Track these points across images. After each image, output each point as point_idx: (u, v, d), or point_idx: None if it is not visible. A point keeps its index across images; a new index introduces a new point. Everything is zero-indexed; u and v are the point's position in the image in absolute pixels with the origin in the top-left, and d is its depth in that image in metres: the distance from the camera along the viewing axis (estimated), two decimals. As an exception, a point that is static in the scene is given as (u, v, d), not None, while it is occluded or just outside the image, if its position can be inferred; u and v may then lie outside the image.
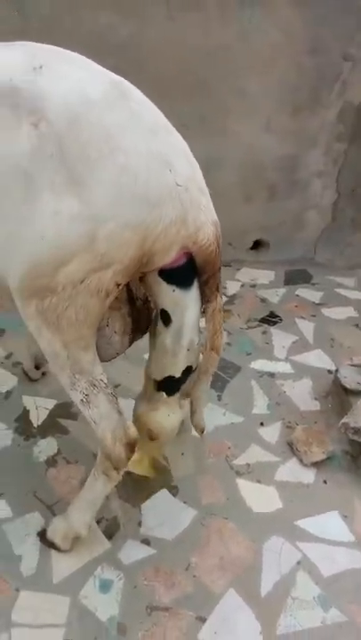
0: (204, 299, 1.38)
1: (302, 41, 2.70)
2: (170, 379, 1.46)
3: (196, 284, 1.34)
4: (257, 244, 3.19)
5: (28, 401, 2.12)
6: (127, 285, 1.37)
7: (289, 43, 2.69)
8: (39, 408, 2.09)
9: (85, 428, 1.85)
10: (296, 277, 3.08)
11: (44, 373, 2.21)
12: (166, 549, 1.66)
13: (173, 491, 1.83)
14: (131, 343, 1.50)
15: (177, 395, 1.51)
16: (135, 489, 1.81)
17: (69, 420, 2.05)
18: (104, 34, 2.47)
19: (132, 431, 1.47)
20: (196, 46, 2.61)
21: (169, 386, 1.49)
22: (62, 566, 1.60)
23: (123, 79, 1.29)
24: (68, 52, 1.30)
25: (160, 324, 1.39)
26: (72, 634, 1.46)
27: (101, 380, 1.39)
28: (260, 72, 2.75)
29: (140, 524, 1.73)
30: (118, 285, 1.25)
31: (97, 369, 1.38)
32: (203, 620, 1.50)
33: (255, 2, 2.60)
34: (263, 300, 2.86)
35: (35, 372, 2.19)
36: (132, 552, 1.65)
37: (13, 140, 1.18)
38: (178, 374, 1.45)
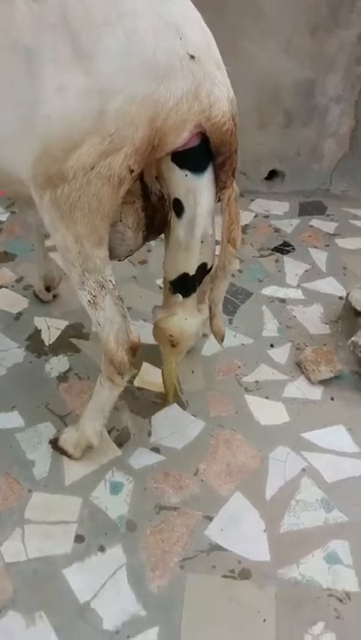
0: (220, 185, 1.32)
1: None
2: (184, 277, 1.43)
3: (210, 170, 1.29)
4: (272, 175, 3.12)
5: (40, 321, 2.14)
6: (141, 178, 1.32)
7: None
8: (51, 328, 2.12)
9: (97, 346, 1.89)
10: (311, 208, 3.02)
11: (55, 296, 2.23)
12: (175, 456, 1.71)
13: (183, 405, 1.86)
14: (145, 241, 1.46)
15: (193, 296, 1.47)
16: (146, 403, 1.85)
17: (81, 339, 2.08)
18: None
19: (135, 336, 1.46)
20: None
21: (184, 285, 1.45)
22: (74, 470, 1.66)
23: None
24: None
25: (173, 216, 1.35)
26: (83, 529, 1.52)
27: (110, 282, 1.38)
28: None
29: (149, 433, 1.77)
30: (132, 172, 1.21)
31: (107, 269, 1.36)
32: (210, 518, 1.55)
33: None
34: (277, 230, 2.82)
35: (45, 294, 2.20)
36: (142, 458, 1.70)
37: (9, 14, 1.14)
38: (192, 271, 1.41)
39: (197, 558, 1.47)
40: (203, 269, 1.44)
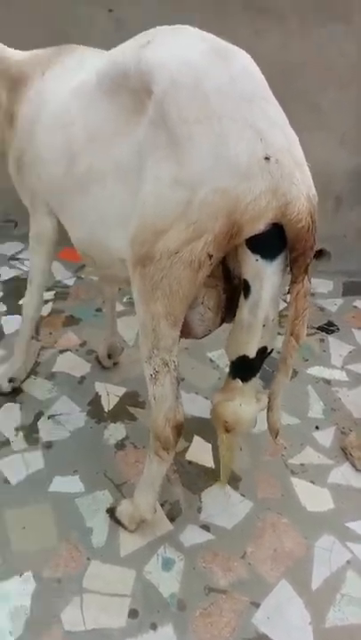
0: (291, 278, 1.37)
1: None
2: (244, 359, 1.46)
3: (281, 258, 1.33)
4: (318, 253, 3.27)
5: (100, 387, 2.28)
6: (223, 262, 1.39)
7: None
8: (110, 394, 2.25)
9: (152, 417, 2.01)
10: (354, 289, 3.14)
11: (115, 363, 2.37)
12: (224, 536, 1.79)
13: (232, 483, 1.95)
14: (222, 322, 1.53)
15: (252, 382, 1.52)
16: (196, 477, 1.94)
17: (138, 408, 2.20)
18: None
19: (181, 416, 1.54)
20: (274, 61, 2.70)
21: (244, 369, 1.48)
22: (129, 542, 1.75)
23: (232, 46, 1.33)
24: (183, 25, 1.39)
25: (241, 296, 1.40)
26: (137, 604, 1.60)
27: (173, 362, 1.48)
28: (337, 87, 2.82)
29: (199, 510, 1.86)
30: (210, 257, 1.30)
31: (175, 349, 1.47)
32: (257, 605, 1.62)
33: (335, 17, 2.67)
34: (322, 309, 2.94)
35: (107, 361, 2.34)
36: (193, 535, 1.78)
37: (136, 120, 1.32)
38: (252, 354, 1.44)
39: (245, 645, 1.53)
40: (263, 353, 1.47)
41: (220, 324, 1.55)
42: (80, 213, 1.60)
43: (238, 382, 1.51)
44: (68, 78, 1.67)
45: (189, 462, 2.01)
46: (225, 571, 1.70)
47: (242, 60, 1.32)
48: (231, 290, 1.46)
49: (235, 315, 1.50)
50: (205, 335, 1.57)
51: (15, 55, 1.92)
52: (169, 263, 1.32)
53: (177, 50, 1.31)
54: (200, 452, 2.04)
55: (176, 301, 1.38)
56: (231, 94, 1.24)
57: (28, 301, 2.06)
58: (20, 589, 1.62)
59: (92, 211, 1.54)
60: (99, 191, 1.48)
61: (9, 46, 1.96)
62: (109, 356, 2.35)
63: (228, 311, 1.50)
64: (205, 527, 1.81)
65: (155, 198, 1.29)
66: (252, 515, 1.86)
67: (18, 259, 3.06)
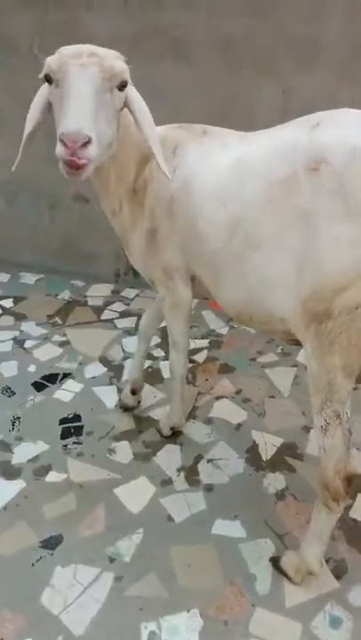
0: None
1: None
2: None
3: None
4: None
5: (257, 435, 2.33)
6: None
7: None
8: (267, 444, 2.29)
9: (312, 468, 2.01)
10: None
11: (139, 402, 2.49)
12: (396, 603, 1.71)
13: None
14: None
15: None
16: (362, 536, 1.89)
17: (296, 459, 2.21)
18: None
19: (353, 467, 1.56)
20: None
21: None
22: (294, 594, 1.74)
23: None
24: (345, 109, 1.51)
25: None
26: (305, 658, 1.58)
27: (346, 414, 1.52)
28: None
29: (366, 571, 1.80)
30: None
31: (348, 401, 1.51)
32: None
33: None
34: None
35: (131, 399, 2.46)
36: (361, 596, 1.73)
37: (296, 191, 1.43)
38: None
39: None
40: None
41: None
42: (238, 278, 1.66)
43: None
44: (212, 158, 1.73)
45: (354, 520, 1.97)
46: None
47: None
48: None
49: None
50: None
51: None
52: (349, 319, 1.40)
53: (351, 127, 1.44)
54: (364, 510, 1.99)
55: (354, 353, 1.44)
56: None
57: (176, 362, 2.15)
58: (188, 625, 1.67)
59: (250, 274, 1.61)
60: (257, 257, 1.57)
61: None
62: (133, 392, 2.44)
63: None
64: (374, 590, 1.75)
65: (334, 259, 1.38)
66: None
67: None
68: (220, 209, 1.65)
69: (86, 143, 1.40)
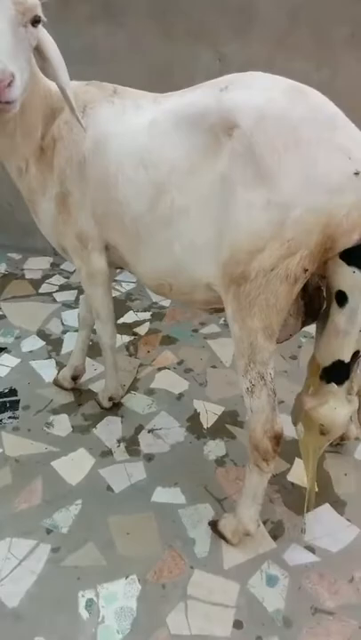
0: None
1: None
2: (339, 364, 1.54)
3: None
4: None
5: (198, 404, 2.32)
6: None
7: None
8: (209, 412, 2.28)
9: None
10: None
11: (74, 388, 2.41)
12: (330, 559, 1.75)
13: (337, 507, 1.91)
14: (302, 326, 1.65)
15: (345, 384, 1.58)
16: (299, 499, 1.92)
17: (237, 427, 2.21)
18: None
19: (279, 427, 1.59)
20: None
21: (338, 372, 1.56)
22: (232, 555, 1.75)
23: (304, 85, 1.43)
24: (253, 72, 1.50)
25: (334, 305, 1.48)
26: (241, 615, 1.59)
27: (270, 374, 1.54)
28: None
29: (303, 531, 1.83)
30: (305, 271, 1.39)
31: (271, 362, 1.52)
32: (367, 630, 1.56)
33: None
34: None
35: (69, 382, 2.39)
36: (297, 555, 1.75)
37: (216, 159, 1.41)
38: (347, 358, 1.53)
39: (355, 670, 1.47)
40: (356, 356, 1.55)
41: (300, 329, 1.67)
42: (163, 245, 1.62)
43: (333, 386, 1.59)
44: (126, 118, 1.65)
45: (292, 484, 1.99)
46: (332, 593, 1.65)
47: (316, 95, 1.42)
48: (308, 296, 1.60)
49: (312, 319, 1.63)
50: (286, 339, 1.67)
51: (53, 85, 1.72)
52: (265, 280, 1.40)
53: (258, 90, 1.42)
54: (302, 474, 2.01)
55: (273, 315, 1.45)
56: (315, 122, 1.34)
57: (103, 333, 2.09)
58: (126, 591, 1.65)
59: (176, 241, 1.57)
60: (183, 223, 1.53)
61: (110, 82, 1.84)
62: (74, 378, 2.39)
63: (306, 315, 1.63)
64: (310, 549, 1.78)
65: (248, 221, 1.37)
66: (359, 540, 1.80)
67: (115, 280, 3.20)
68: (141, 172, 1.57)
69: (11, 82, 1.31)
